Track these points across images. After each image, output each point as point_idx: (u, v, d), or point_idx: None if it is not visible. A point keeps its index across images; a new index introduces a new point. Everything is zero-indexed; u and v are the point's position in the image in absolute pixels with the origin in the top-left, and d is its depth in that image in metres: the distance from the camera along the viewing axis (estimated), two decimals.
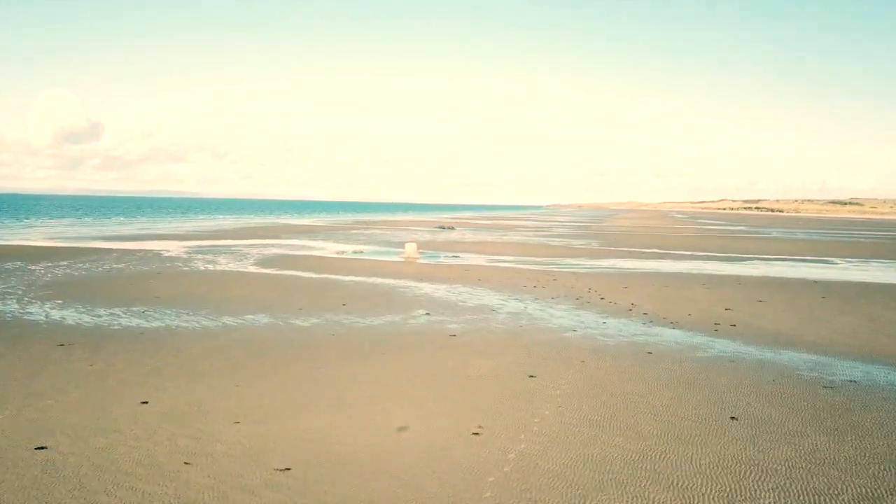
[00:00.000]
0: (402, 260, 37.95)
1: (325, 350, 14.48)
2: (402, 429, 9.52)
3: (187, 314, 18.64)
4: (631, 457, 8.59)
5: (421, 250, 42.88)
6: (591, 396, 11.25)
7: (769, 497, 7.49)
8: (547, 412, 10.36)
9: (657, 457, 8.62)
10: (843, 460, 8.63)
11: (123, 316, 18.25)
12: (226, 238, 54.71)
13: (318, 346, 14.90)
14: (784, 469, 8.30)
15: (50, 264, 31.02)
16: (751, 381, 12.44)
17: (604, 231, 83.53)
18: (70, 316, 18.14)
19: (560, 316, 19.36)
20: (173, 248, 43.21)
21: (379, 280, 27.17)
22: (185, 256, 36.59)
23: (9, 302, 20.29)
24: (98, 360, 13.28)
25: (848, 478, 8.08)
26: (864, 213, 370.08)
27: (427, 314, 19.24)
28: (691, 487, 7.72)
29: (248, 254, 39.01)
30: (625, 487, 7.68)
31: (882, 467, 8.43)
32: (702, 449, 8.94)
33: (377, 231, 72.48)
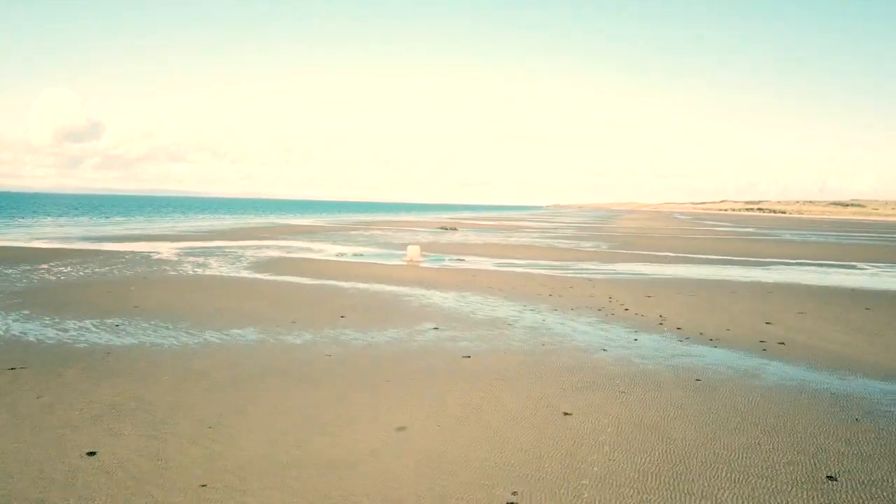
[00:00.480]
0: (405, 263, 35.86)
1: (319, 376, 12.37)
2: (419, 500, 7.43)
3: (166, 328, 16.54)
4: None
5: (424, 253, 40.80)
6: (643, 444, 9.14)
7: None
8: (595, 468, 8.27)
9: None
10: None
11: (93, 330, 16.15)
12: (221, 239, 52.61)
13: (311, 370, 12.79)
14: None
15: (28, 268, 28.93)
16: (833, 421, 10.34)
17: (610, 233, 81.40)
18: (33, 330, 16.03)
19: (584, 331, 17.26)
20: (164, 249, 41.12)
21: (381, 286, 25.06)
22: (174, 259, 34.49)
23: None
24: (49, 390, 11.18)
25: None
26: (868, 214, 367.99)
27: (435, 328, 17.14)
28: None
29: (243, 256, 36.91)
30: None
31: None
32: None
33: (377, 232, 70.39)
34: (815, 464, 8.56)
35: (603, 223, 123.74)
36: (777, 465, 8.48)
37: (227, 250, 41.11)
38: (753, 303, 22.69)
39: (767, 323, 18.87)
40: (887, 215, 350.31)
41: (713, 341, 16.26)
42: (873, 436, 9.69)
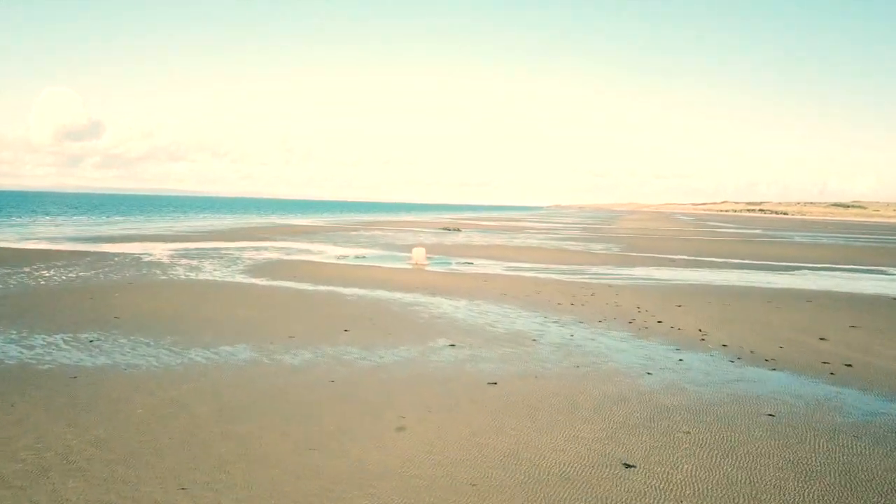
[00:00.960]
0: (410, 267, 33.92)
1: (320, 411, 10.41)
2: None
3: (146, 345, 14.57)
4: None
5: (429, 255, 38.83)
6: None
7: None
8: None
9: None
10: None
11: (63, 348, 14.18)
12: (217, 240, 50.63)
13: (311, 402, 10.82)
14: None
15: (8, 271, 26.98)
16: None
17: (617, 234, 79.42)
18: None
19: (620, 349, 15.30)
20: (158, 250, 39.15)
21: (386, 294, 23.10)
22: (166, 262, 32.52)
23: None
24: None
25: None
26: (870, 216, 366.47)
27: (451, 345, 15.17)
28: None
29: (239, 259, 34.94)
30: None
31: None
32: None
33: (379, 232, 68.41)
34: None
35: (607, 224, 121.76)
36: None
37: (223, 252, 39.15)
38: (795, 314, 20.73)
39: (821, 339, 16.90)
40: (889, 217, 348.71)
41: (769, 362, 14.29)
42: None
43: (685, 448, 9.05)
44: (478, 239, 60.12)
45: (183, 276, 26.74)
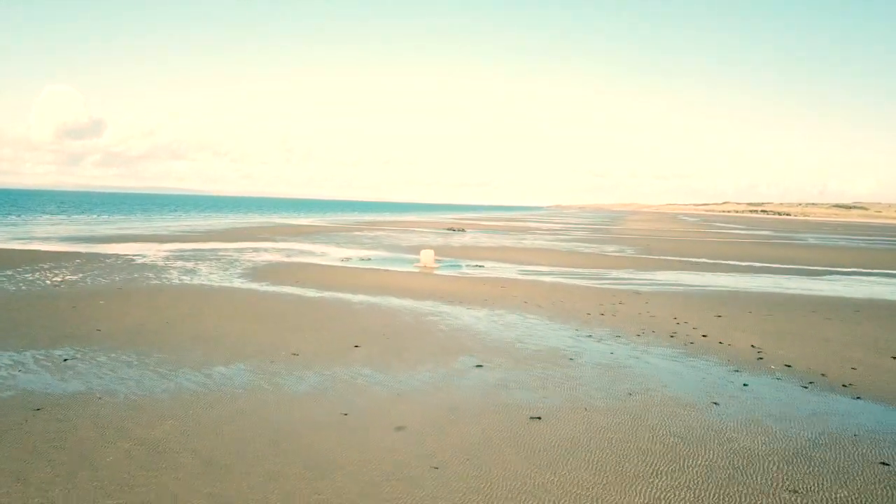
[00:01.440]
0: (419, 270, 32.00)
1: (333, 456, 8.48)
2: None
3: (129, 364, 12.64)
4: None
5: (438, 258, 36.90)
6: None
7: None
8: None
9: None
10: None
11: (33, 368, 12.25)
12: (216, 240, 48.69)
13: (321, 445, 8.89)
14: None
15: None
16: None
17: (626, 235, 77.44)
18: None
19: (671, 370, 13.36)
20: (152, 251, 37.22)
21: (397, 301, 21.17)
22: (161, 264, 30.59)
23: None
24: None
25: None
26: (873, 217, 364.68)
27: (479, 366, 13.24)
28: None
29: (238, 261, 33.01)
30: None
31: None
32: None
33: (382, 233, 66.46)
34: None
35: (612, 225, 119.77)
36: None
37: (221, 253, 37.21)
38: (851, 327, 18.79)
39: (894, 358, 14.96)
40: (893, 218, 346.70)
41: (847, 388, 12.35)
42: None
43: None
44: (485, 240, 58.19)
45: (177, 281, 24.81)
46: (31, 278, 24.38)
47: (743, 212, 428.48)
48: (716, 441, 9.36)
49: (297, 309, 19.29)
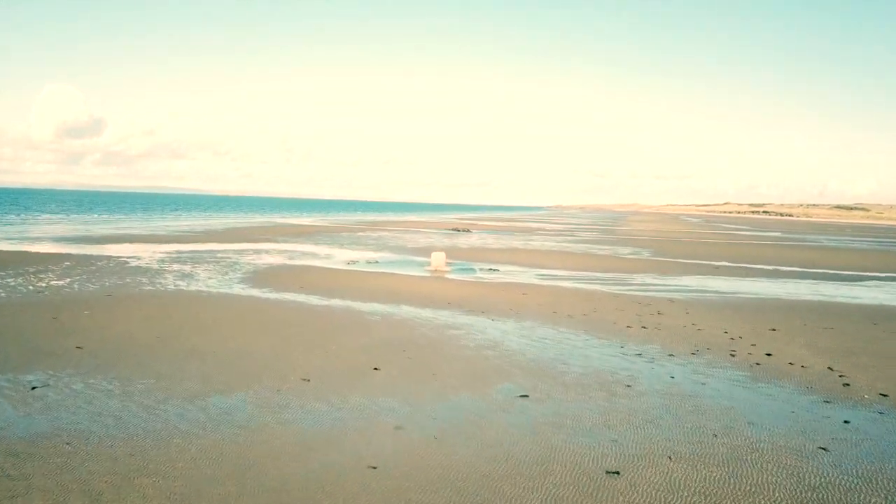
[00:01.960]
0: (430, 274, 30.02)
1: None
2: None
3: (109, 393, 10.63)
4: None
5: (449, 260, 34.89)
6: None
7: None
8: None
9: None
10: None
11: None
12: (215, 241, 46.66)
13: None
14: None
15: None
16: None
17: (636, 236, 75.43)
18: None
19: (750, 401, 11.35)
20: (148, 253, 35.20)
21: (413, 311, 19.18)
22: (155, 267, 28.58)
23: None
24: None
25: None
26: (876, 218, 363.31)
27: (523, 396, 11.23)
28: None
29: (238, 263, 30.99)
30: None
31: None
32: None
33: (386, 233, 64.44)
34: None
35: (617, 225, 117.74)
36: None
37: (220, 255, 35.19)
38: None
39: None
40: (894, 219, 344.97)
41: None
42: None
43: None
44: (492, 241, 56.20)
45: (172, 287, 22.79)
46: (12, 283, 22.36)
47: (744, 212, 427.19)
48: None
49: (304, 320, 17.27)
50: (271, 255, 36.80)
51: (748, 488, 7.77)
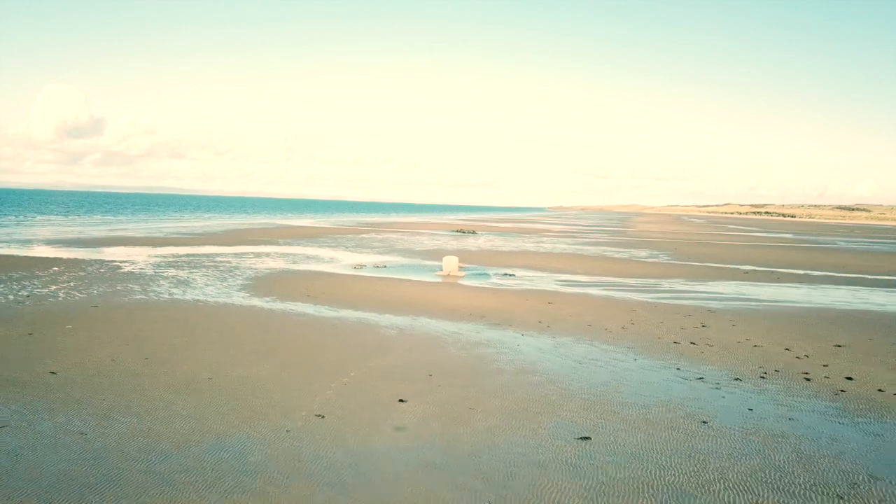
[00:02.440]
0: (442, 279, 28.10)
1: None
2: None
3: (81, 440, 8.69)
4: None
5: (462, 265, 32.97)
6: None
7: None
8: None
9: None
10: None
11: None
12: (214, 243, 44.71)
13: None
14: None
15: None
16: None
17: (647, 238, 73.47)
18: None
19: (858, 442, 9.41)
20: (142, 257, 33.27)
21: (434, 324, 17.25)
22: (149, 272, 26.65)
23: None
24: None
25: None
26: (879, 219, 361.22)
27: (584, 438, 9.27)
28: None
29: (237, 268, 29.04)
30: None
31: None
32: None
33: (391, 235, 62.49)
34: None
35: (623, 226, 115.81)
36: None
37: (219, 259, 33.24)
38: None
39: None
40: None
41: None
42: None
43: None
44: (501, 244, 54.25)
45: (166, 296, 20.85)
46: None
47: (746, 213, 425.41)
48: None
49: (313, 336, 15.32)
50: (273, 258, 34.86)
51: None
